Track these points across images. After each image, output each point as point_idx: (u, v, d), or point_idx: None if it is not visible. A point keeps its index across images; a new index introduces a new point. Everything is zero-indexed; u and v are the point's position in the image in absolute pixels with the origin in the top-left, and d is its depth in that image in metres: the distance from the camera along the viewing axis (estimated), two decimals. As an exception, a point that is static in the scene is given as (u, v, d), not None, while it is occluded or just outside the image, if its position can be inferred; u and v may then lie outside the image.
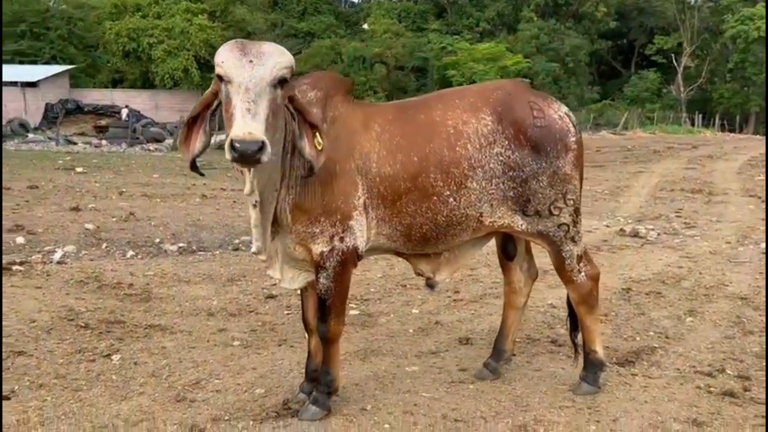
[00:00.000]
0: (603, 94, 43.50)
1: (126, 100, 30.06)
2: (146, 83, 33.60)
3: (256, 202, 2.83)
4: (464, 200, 3.06)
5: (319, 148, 2.73)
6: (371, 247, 3.14)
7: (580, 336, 3.52)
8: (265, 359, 4.02)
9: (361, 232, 3.02)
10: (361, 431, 3.04)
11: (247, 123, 2.41)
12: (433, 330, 4.59)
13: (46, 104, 28.78)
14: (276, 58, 2.58)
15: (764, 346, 4.18)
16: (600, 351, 3.45)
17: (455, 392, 3.50)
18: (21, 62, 30.97)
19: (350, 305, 5.15)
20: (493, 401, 3.38)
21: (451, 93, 3.27)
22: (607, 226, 8.90)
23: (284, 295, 5.41)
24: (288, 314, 4.93)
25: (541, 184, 3.13)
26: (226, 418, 3.17)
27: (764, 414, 3.25)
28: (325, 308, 3.08)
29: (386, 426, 3.08)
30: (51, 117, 27.81)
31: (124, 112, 27.92)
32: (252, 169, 2.63)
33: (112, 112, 28.85)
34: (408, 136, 3.04)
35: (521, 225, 3.19)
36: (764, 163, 16.36)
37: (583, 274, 3.35)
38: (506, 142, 3.09)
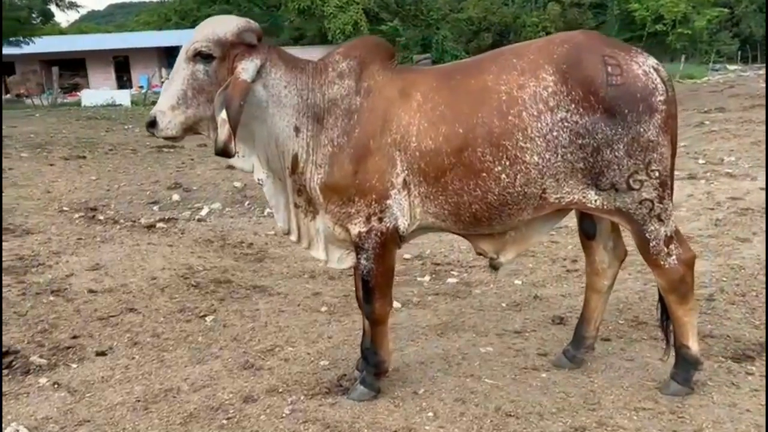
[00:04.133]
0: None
1: (302, 56, 31.37)
2: (323, 39, 34.80)
3: (259, 180, 2.77)
4: (521, 177, 2.71)
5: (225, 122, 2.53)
6: (421, 226, 2.92)
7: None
8: (344, 328, 4.00)
9: (401, 211, 2.81)
10: (404, 417, 2.90)
11: (159, 98, 2.59)
12: (529, 305, 4.26)
13: (233, 64, 30.97)
14: (196, 33, 2.58)
15: None
16: (694, 347, 2.95)
17: (522, 380, 3.21)
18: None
19: (451, 272, 4.99)
20: (560, 395, 3.05)
21: (510, 51, 2.87)
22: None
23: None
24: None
25: (617, 154, 2.68)
26: (280, 390, 3.20)
27: None
28: (369, 289, 2.95)
29: (430, 414, 2.91)
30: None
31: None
32: (240, 147, 2.60)
33: (288, 69, 30.34)
34: (453, 105, 2.73)
35: (595, 201, 2.77)
36: None
37: (673, 257, 2.85)
38: (573, 106, 2.66)
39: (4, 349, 3.66)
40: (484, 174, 2.71)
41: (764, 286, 4.36)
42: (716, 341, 3.56)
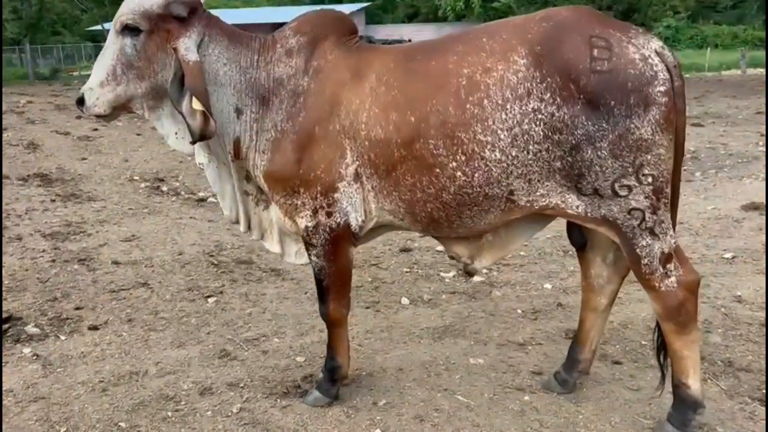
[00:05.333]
0: None
1: (412, 34, 31.17)
2: (437, 17, 34.36)
3: (200, 164, 2.58)
4: (479, 175, 2.34)
5: (197, 110, 2.34)
6: (380, 224, 2.62)
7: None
8: (341, 322, 3.78)
9: (353, 206, 2.53)
10: (351, 429, 2.66)
11: (91, 74, 2.45)
12: (548, 314, 3.84)
13: (346, 39, 31.42)
14: (123, 5, 2.40)
15: None
16: (694, 386, 2.47)
17: (500, 401, 2.86)
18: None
19: (482, 270, 4.61)
20: (534, 423, 2.68)
21: (483, 29, 2.48)
22: None
23: (420, 250, 5.06)
24: (406, 272, 4.58)
25: (600, 153, 2.25)
26: (241, 385, 3.05)
27: None
28: (321, 289, 2.71)
29: (377, 431, 2.64)
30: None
31: (406, 46, 29.11)
32: (179, 127, 2.44)
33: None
34: (407, 89, 2.39)
35: (577, 207, 2.35)
36: None
37: (672, 279, 2.39)
38: (548, 95, 2.25)
39: (9, 315, 3.77)
40: (438, 170, 2.36)
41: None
42: (744, 375, 3.02)
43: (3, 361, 3.29)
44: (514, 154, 2.29)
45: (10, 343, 3.48)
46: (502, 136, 2.28)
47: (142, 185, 7.41)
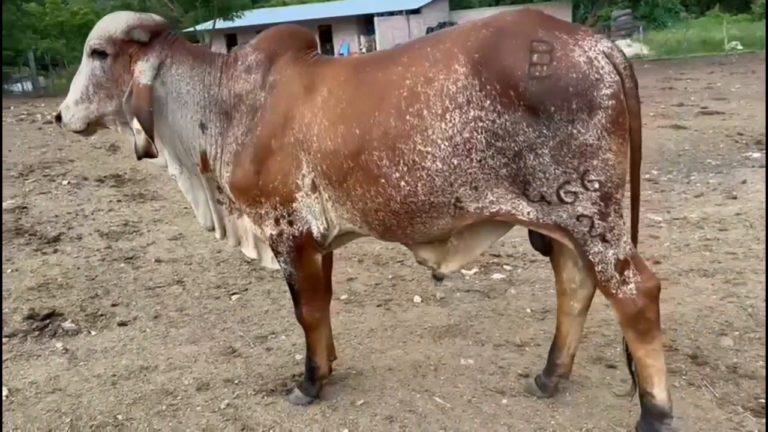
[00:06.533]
0: None
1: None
2: (525, -1, 33.42)
3: (173, 175, 2.74)
4: (422, 185, 2.34)
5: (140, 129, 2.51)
6: (344, 231, 2.68)
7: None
8: (350, 320, 3.88)
9: (313, 215, 2.60)
10: (321, 429, 2.76)
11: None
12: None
13: (428, 28, 31.16)
14: (93, 30, 2.55)
15: None
16: (660, 395, 2.37)
17: (476, 404, 2.86)
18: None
19: (504, 266, 4.60)
20: (502, 429, 2.67)
21: (432, 38, 2.47)
22: None
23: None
24: (426, 271, 4.61)
25: (542, 160, 2.20)
26: (236, 381, 3.21)
27: None
28: (293, 294, 2.81)
29: (345, 430, 2.72)
30: (432, 39, 30.38)
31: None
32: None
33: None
34: (354, 102, 2.42)
35: (528, 213, 2.31)
36: None
37: (630, 286, 2.31)
38: (488, 103, 2.22)
39: (51, 311, 4.14)
40: (383, 180, 2.39)
41: None
42: (746, 382, 2.86)
43: (36, 354, 3.63)
44: (456, 163, 2.29)
45: (47, 338, 3.83)
46: (442, 146, 2.28)
47: (205, 183, 7.79)
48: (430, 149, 2.29)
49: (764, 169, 6.79)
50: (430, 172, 2.32)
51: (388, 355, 3.39)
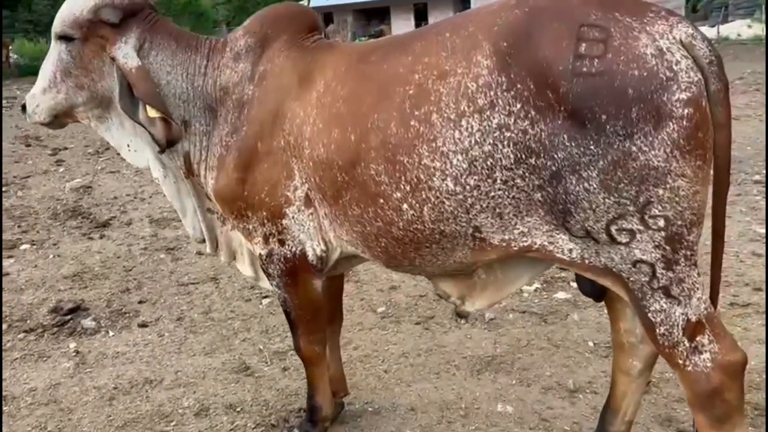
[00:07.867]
0: None
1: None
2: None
3: (156, 179, 2.35)
4: (428, 209, 1.82)
5: (155, 117, 2.08)
6: (347, 255, 2.20)
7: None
8: (381, 339, 3.44)
9: (306, 234, 2.14)
10: (316, 485, 2.33)
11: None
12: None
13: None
14: (58, 12, 2.14)
15: None
16: (737, 504, 1.78)
17: (504, 471, 2.35)
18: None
19: (571, 283, 3.99)
20: None
21: (453, 21, 1.92)
22: None
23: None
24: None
25: (587, 185, 1.64)
26: (238, 409, 2.85)
27: None
28: (290, 322, 2.37)
29: (340, 491, 2.29)
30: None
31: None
32: (131, 139, 2.27)
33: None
34: (352, 99, 1.92)
35: (570, 251, 1.75)
36: None
37: (704, 357, 1.71)
38: (518, 106, 1.67)
39: (77, 305, 3.95)
40: (382, 200, 1.89)
41: None
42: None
43: (46, 355, 3.42)
44: (473, 183, 1.76)
45: (64, 336, 3.63)
46: (455, 161, 1.76)
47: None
48: (438, 164, 1.78)
49: None
50: (438, 194, 1.80)
51: (415, 390, 2.92)
